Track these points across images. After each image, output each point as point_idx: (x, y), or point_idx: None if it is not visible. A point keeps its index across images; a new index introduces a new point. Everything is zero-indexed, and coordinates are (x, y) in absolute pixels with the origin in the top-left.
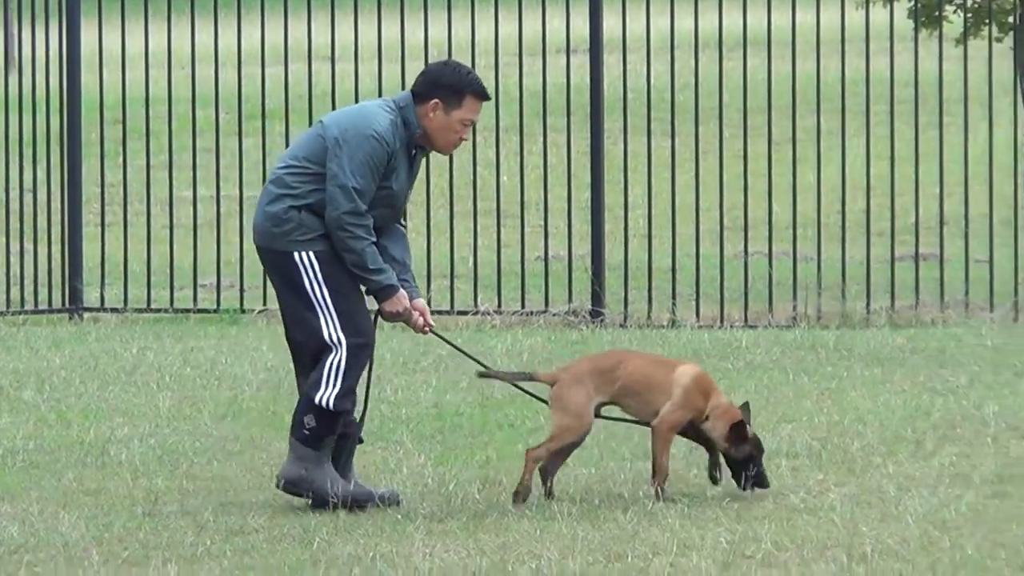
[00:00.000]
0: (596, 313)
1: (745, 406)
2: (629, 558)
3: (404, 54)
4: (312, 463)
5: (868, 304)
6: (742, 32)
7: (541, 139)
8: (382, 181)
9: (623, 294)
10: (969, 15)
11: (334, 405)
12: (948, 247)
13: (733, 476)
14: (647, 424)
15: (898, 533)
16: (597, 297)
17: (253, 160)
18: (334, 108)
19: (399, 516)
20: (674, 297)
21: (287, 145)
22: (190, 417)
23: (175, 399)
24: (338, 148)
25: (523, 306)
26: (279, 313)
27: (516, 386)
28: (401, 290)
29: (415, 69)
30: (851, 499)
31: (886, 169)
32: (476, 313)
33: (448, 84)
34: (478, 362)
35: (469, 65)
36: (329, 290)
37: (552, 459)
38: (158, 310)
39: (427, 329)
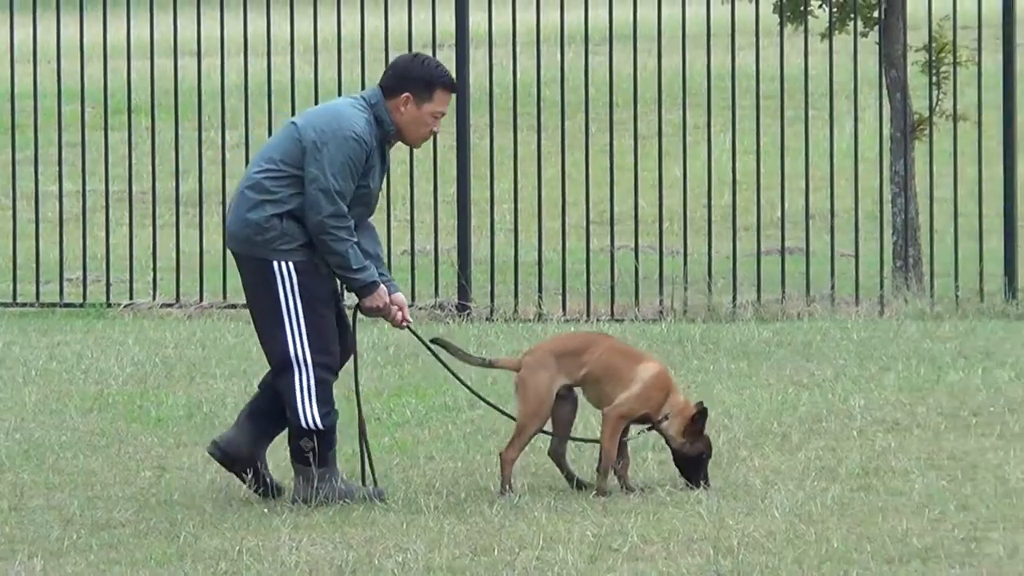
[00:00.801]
0: (462, 307)
1: (703, 408)
2: (495, 551)
3: (270, 49)
4: (323, 482)
5: (734, 298)
6: (608, 26)
7: None
8: (360, 181)
9: (489, 288)
10: (834, 9)
11: (323, 423)
12: (814, 241)
13: (683, 474)
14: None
15: (764, 526)
16: (463, 291)
17: (120, 155)
18: (200, 103)
19: (265, 510)
20: (540, 291)
21: (153, 140)
22: (56, 411)
23: (41, 393)
24: (316, 151)
25: None
26: (139, 309)
27: (468, 387)
28: (382, 286)
29: (282, 64)
30: (717, 492)
31: (752, 163)
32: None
33: (419, 77)
34: (453, 350)
35: (340, 60)
36: (303, 303)
37: (555, 448)
38: (24, 304)
39: (404, 324)
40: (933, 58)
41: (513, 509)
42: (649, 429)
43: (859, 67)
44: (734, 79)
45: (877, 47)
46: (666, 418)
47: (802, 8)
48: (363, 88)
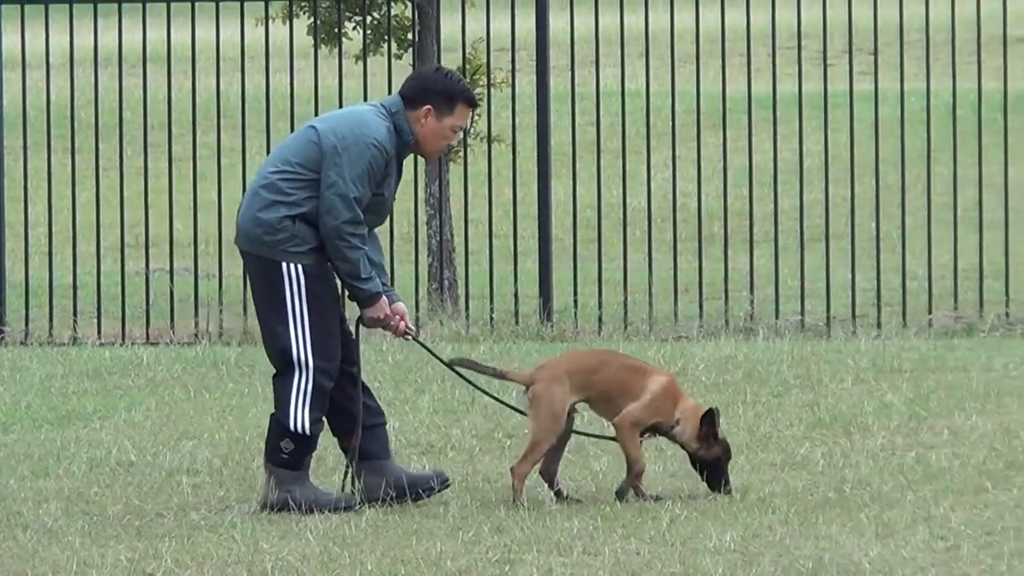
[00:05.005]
0: None
1: (712, 410)
2: None
3: None
4: (295, 484)
5: None
6: (142, 48)
7: None
8: (375, 189)
9: (24, 312)
10: (369, 32)
11: (310, 430)
12: None
13: (706, 481)
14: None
15: (299, 550)
16: None
17: None
18: None
19: None
20: (75, 314)
21: None
22: None
23: None
24: (337, 156)
25: None
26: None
27: (483, 391)
28: (384, 297)
29: None
30: (252, 516)
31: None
32: None
33: (441, 91)
34: (448, 365)
35: None
36: (308, 307)
37: (547, 465)
38: None
39: (407, 334)
40: (467, 80)
41: (47, 534)
42: (653, 435)
43: (394, 89)
44: (269, 101)
45: (412, 68)
46: (677, 423)
47: (336, 30)
48: None
